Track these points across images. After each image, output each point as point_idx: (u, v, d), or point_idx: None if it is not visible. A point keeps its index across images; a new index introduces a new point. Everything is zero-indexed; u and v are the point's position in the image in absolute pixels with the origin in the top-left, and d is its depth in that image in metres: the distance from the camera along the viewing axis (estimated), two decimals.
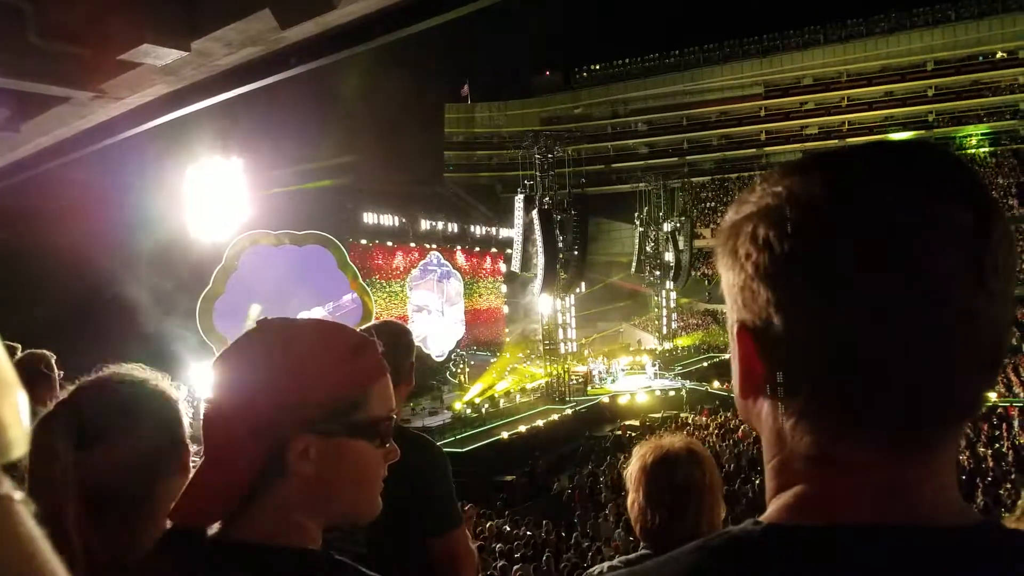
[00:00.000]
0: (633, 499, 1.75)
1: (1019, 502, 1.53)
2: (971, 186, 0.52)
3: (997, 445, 16.12)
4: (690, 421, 21.91)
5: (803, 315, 0.52)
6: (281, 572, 0.79)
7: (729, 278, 0.57)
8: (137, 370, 1.25)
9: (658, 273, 34.45)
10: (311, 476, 0.80)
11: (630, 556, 1.89)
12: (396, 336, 2.00)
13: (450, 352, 29.84)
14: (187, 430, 1.28)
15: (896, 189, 0.51)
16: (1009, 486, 12.34)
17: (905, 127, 44.26)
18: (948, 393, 0.52)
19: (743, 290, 0.55)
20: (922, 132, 43.58)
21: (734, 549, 0.53)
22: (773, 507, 0.56)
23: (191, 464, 1.29)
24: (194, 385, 16.06)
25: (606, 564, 1.96)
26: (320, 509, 0.83)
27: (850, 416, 0.53)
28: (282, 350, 0.83)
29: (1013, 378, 24.47)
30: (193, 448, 1.30)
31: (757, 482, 14.02)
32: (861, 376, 0.51)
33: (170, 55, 2.25)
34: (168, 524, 0.83)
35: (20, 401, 0.31)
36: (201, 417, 0.83)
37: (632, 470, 1.77)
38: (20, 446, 0.30)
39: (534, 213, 23.80)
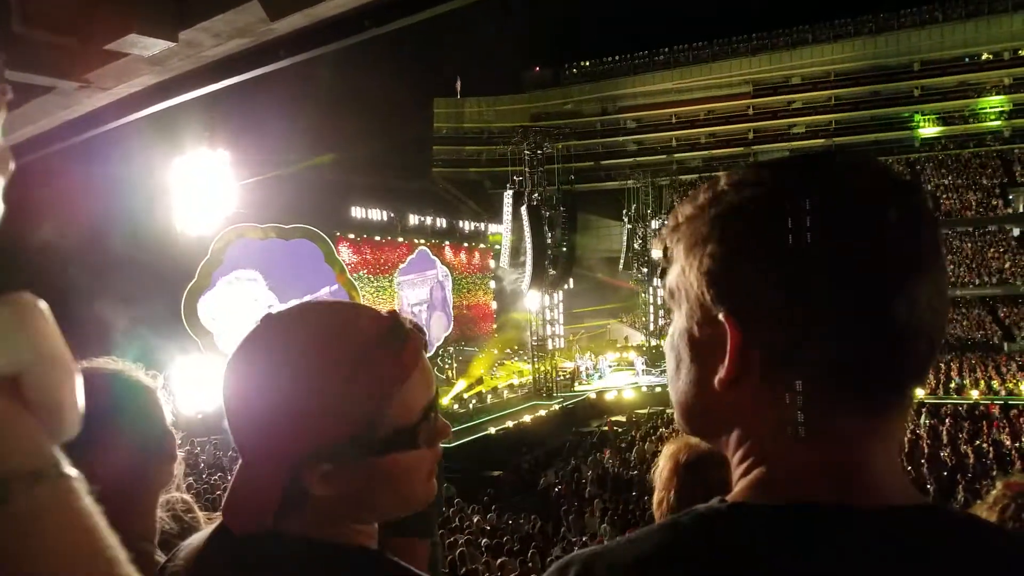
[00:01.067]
0: (662, 498, 1.69)
1: (992, 492, 1.56)
2: (898, 187, 0.58)
3: (978, 442, 16.33)
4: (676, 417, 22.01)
5: (776, 303, 0.56)
6: (321, 562, 0.74)
7: (707, 266, 0.59)
8: (109, 362, 1.24)
9: (646, 270, 34.59)
10: (337, 497, 0.73)
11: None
12: None
13: (438, 347, 29.82)
14: (170, 417, 1.28)
15: (848, 191, 0.57)
16: (988, 482, 12.52)
17: (892, 127, 44.63)
18: (901, 371, 0.57)
19: (728, 279, 0.58)
20: (908, 132, 43.98)
21: (701, 526, 0.56)
22: (739, 486, 0.59)
23: (178, 451, 1.28)
24: (175, 377, 15.97)
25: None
26: (360, 518, 0.77)
27: (818, 398, 0.56)
28: (282, 363, 0.72)
29: (994, 375, 24.78)
30: (179, 435, 1.30)
31: None
32: (825, 361, 0.55)
33: (157, 45, 2.23)
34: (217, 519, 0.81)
35: (79, 385, 0.32)
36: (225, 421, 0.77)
37: (663, 469, 1.71)
38: (76, 427, 0.32)
39: (523, 209, 23.80)
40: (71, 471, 0.30)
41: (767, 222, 0.57)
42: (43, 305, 0.32)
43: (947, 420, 18.68)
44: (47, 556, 0.27)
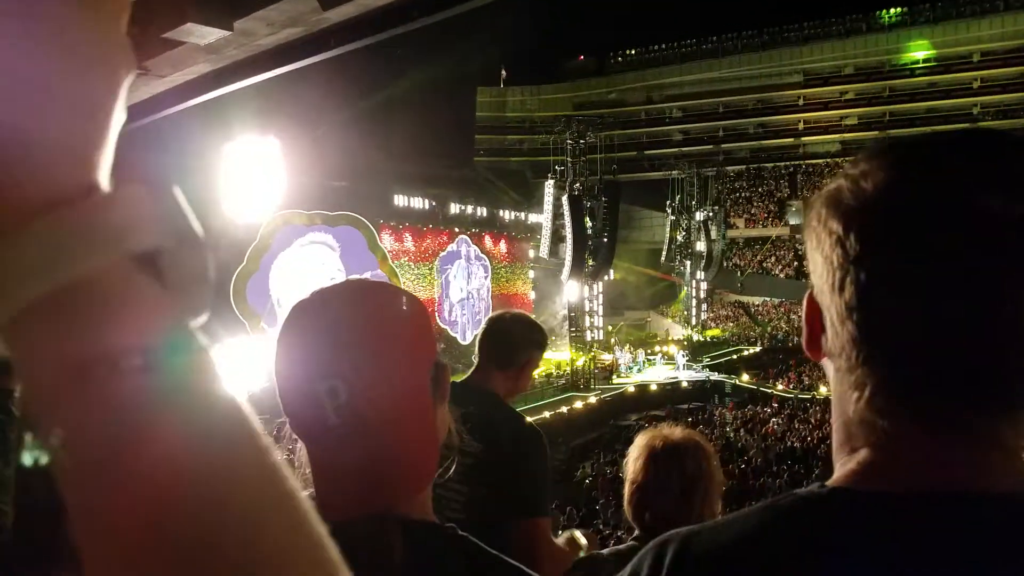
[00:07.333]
0: (636, 487, 1.77)
1: None
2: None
3: None
4: (717, 413, 21.76)
5: (853, 291, 0.55)
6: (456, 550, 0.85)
7: (807, 249, 0.63)
8: None
9: (688, 263, 34.14)
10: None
11: (620, 548, 1.85)
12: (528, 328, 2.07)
13: (476, 336, 29.98)
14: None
15: (943, 179, 0.53)
16: None
17: (948, 120, 42.99)
18: (991, 371, 0.53)
19: (811, 261, 0.61)
20: (968, 125, 42.32)
21: (801, 509, 0.57)
22: (839, 471, 0.59)
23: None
24: (223, 358, 16.41)
25: (606, 551, 1.88)
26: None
27: (897, 387, 0.55)
28: (405, 302, 0.87)
29: None
30: None
31: (785, 476, 13.92)
32: (905, 351, 0.54)
33: (213, 34, 2.28)
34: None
35: (211, 263, 0.34)
36: (332, 405, 0.78)
37: (636, 458, 1.79)
38: (209, 304, 0.34)
39: (564, 199, 23.71)
40: (207, 343, 0.32)
41: (839, 212, 0.56)
42: (176, 187, 0.33)
43: None
44: (192, 420, 0.29)
